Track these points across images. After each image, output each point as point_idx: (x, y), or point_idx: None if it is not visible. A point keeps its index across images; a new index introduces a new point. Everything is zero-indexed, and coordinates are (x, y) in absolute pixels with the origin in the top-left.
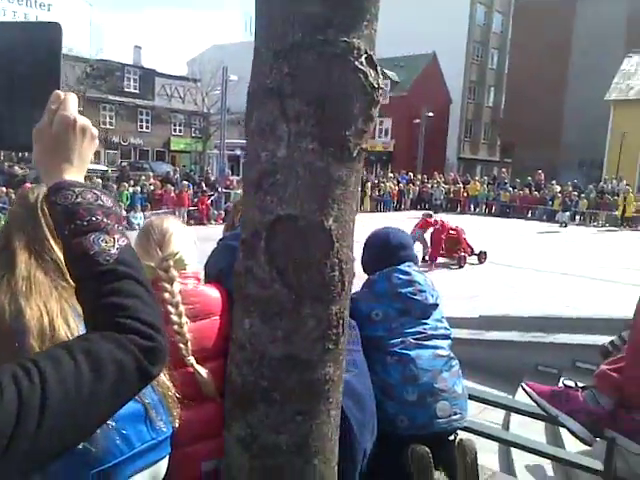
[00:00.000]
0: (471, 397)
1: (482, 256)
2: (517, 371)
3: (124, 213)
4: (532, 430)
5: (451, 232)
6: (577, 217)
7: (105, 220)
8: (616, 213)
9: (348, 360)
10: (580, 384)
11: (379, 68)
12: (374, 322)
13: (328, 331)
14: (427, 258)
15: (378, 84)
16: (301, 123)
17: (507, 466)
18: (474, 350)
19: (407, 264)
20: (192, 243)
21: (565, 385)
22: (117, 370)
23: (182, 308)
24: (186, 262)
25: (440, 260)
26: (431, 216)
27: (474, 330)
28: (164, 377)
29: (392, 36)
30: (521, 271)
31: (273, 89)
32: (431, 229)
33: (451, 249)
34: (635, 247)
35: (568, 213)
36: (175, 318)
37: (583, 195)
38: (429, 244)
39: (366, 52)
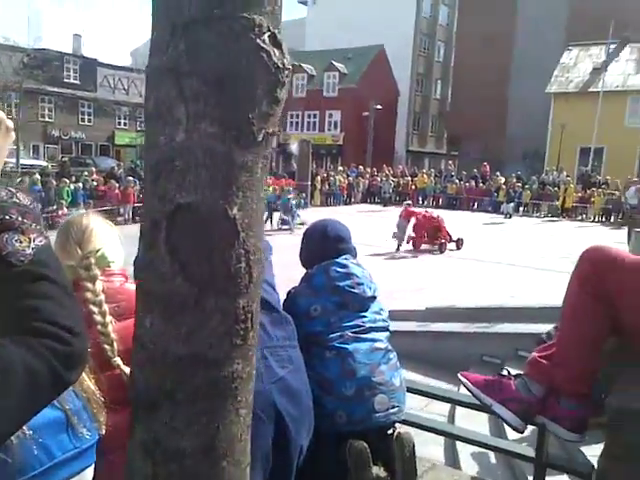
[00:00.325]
0: (416, 391)
1: (459, 242)
2: (463, 362)
3: (65, 211)
4: (476, 421)
5: (432, 221)
6: (521, 208)
7: (20, 219)
8: (556, 203)
9: (283, 356)
10: (514, 372)
11: (284, 47)
12: (312, 317)
13: (235, 326)
14: (410, 245)
15: (283, 64)
16: (200, 104)
17: (452, 457)
18: (420, 342)
19: (345, 257)
20: (116, 240)
21: (499, 374)
22: (27, 376)
23: (106, 307)
24: (110, 259)
25: (423, 247)
26: (411, 205)
27: (420, 322)
28: (89, 381)
29: (340, 28)
30: (467, 262)
31: (170, 67)
32: (414, 218)
33: (433, 236)
34: (574, 236)
35: (512, 204)
36: (98, 318)
37: (527, 186)
38: (412, 232)
39: (269, 30)
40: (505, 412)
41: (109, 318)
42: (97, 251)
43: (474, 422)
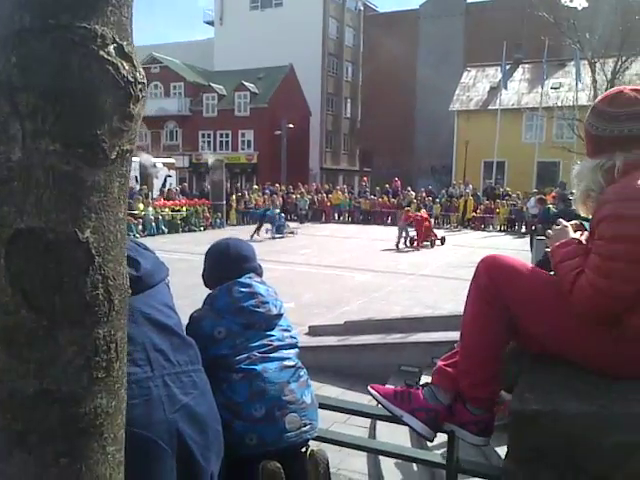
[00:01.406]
0: (334, 408)
1: (443, 240)
2: (382, 373)
3: None
4: (398, 431)
5: (426, 222)
6: (432, 221)
7: None
8: (457, 214)
9: (186, 382)
10: (422, 382)
11: (135, 60)
12: (218, 341)
13: (95, 358)
14: (409, 244)
15: (135, 78)
16: (38, 121)
17: (375, 469)
18: (341, 357)
19: (248, 275)
20: None
21: (407, 384)
22: None
23: None
24: None
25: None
26: (409, 210)
27: (340, 336)
28: None
29: (249, 48)
30: (383, 275)
31: (2, 82)
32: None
33: (426, 235)
34: (482, 245)
35: None
36: None
37: (437, 199)
38: (415, 233)
39: (115, 41)
40: (415, 422)
41: None
42: None
43: (396, 432)
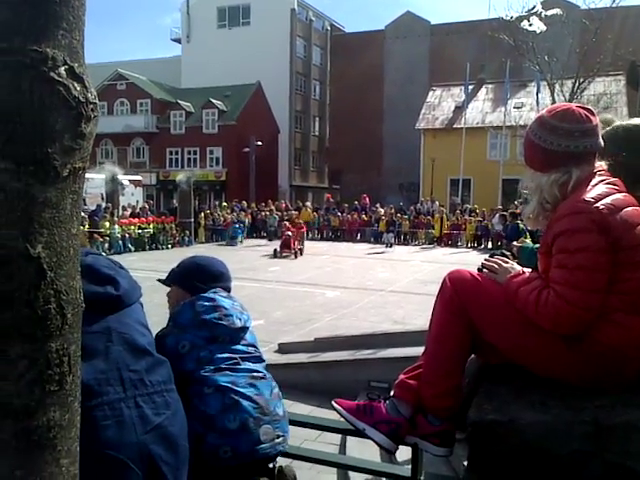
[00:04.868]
0: (306, 424)
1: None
2: (352, 389)
3: None
4: (369, 445)
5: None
6: (401, 237)
7: None
8: (433, 231)
9: (159, 402)
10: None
11: (87, 81)
12: (182, 356)
13: (48, 371)
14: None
15: (86, 98)
16: None
17: None
18: (311, 373)
19: (213, 290)
20: None
21: (369, 397)
22: None
23: None
24: None
25: None
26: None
27: (310, 353)
28: None
29: (216, 66)
30: (352, 291)
31: None
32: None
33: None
34: (449, 261)
35: (392, 234)
36: None
37: (405, 216)
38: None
39: (66, 63)
40: (377, 435)
41: None
42: None
43: (367, 446)
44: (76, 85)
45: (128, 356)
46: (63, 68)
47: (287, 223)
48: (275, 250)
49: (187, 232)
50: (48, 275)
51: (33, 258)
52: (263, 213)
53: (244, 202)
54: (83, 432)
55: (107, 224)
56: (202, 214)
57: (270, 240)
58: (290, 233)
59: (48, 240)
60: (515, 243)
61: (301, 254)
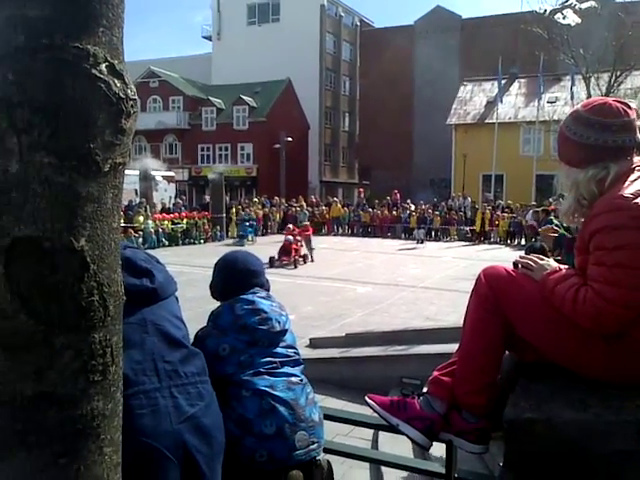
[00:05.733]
0: (339, 419)
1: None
2: (383, 385)
3: None
4: (401, 441)
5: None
6: (432, 233)
7: None
8: (466, 228)
9: (193, 393)
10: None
11: (127, 78)
12: (222, 358)
13: (92, 362)
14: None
15: (126, 94)
16: (34, 135)
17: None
18: (342, 369)
19: (253, 291)
20: None
21: (403, 394)
22: None
23: None
24: None
25: None
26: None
27: (341, 348)
28: None
29: (247, 63)
30: (383, 287)
31: (0, 98)
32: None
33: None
34: (482, 258)
35: (423, 230)
36: None
37: (437, 212)
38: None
39: (106, 60)
40: (411, 431)
41: None
42: None
43: (399, 442)
44: (116, 81)
45: (163, 347)
46: (104, 65)
47: (290, 226)
48: (272, 258)
49: (219, 227)
50: (91, 268)
51: (77, 251)
52: (293, 209)
53: (276, 198)
54: None
55: (141, 219)
56: (233, 209)
57: None
58: (291, 237)
59: (91, 234)
60: (540, 229)
61: (312, 260)
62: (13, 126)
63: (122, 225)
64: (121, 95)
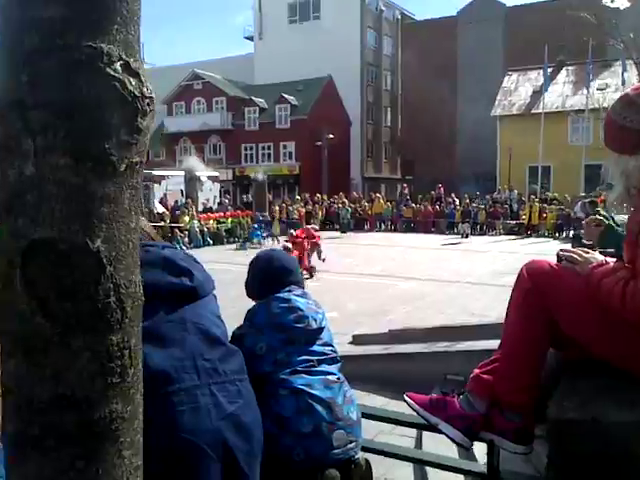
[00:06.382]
0: (379, 418)
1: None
2: (427, 382)
3: None
4: (445, 440)
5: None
6: (477, 227)
7: None
8: (513, 222)
9: (232, 391)
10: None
11: (142, 75)
12: (259, 357)
13: (109, 364)
14: None
15: (142, 92)
16: (49, 136)
17: (421, 478)
18: (386, 366)
19: (288, 289)
20: None
21: (442, 392)
22: None
23: None
24: None
25: None
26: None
27: (384, 345)
28: None
29: (288, 61)
30: (427, 283)
31: (14, 100)
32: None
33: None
34: (528, 252)
35: (467, 224)
36: None
37: (482, 206)
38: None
39: (121, 58)
40: (451, 430)
41: None
42: None
43: (443, 441)
44: (132, 80)
45: (202, 345)
46: (118, 63)
47: (293, 232)
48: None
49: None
50: (107, 269)
51: (93, 252)
52: (336, 205)
53: (318, 195)
54: (161, 417)
55: (186, 219)
56: (277, 208)
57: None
58: (290, 246)
59: (107, 235)
60: (583, 222)
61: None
62: (28, 128)
63: (169, 225)
64: (136, 93)
